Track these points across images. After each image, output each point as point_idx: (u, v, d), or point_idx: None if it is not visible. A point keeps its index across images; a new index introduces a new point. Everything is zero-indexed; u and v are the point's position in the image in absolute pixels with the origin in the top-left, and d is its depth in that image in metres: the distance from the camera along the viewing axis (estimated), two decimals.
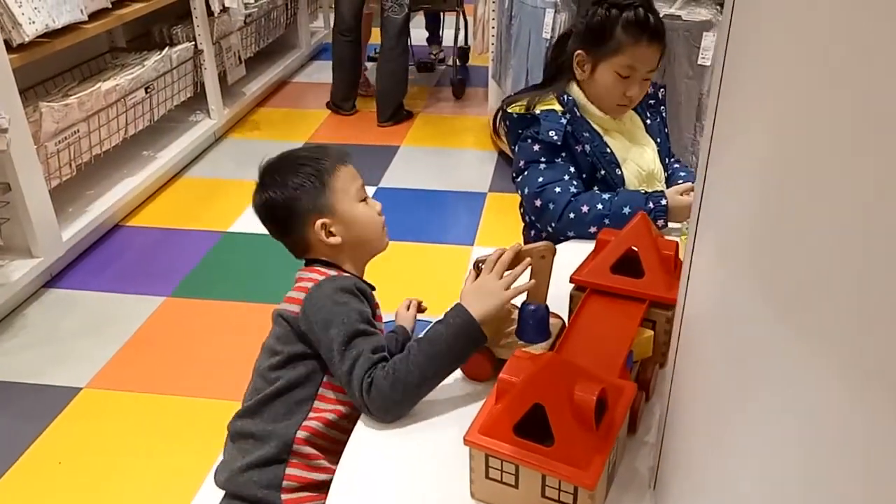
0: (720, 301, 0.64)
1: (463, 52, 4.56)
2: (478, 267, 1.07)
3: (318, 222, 1.12)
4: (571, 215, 1.45)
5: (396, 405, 0.96)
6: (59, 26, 2.47)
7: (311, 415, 1.04)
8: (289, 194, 1.12)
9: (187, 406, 1.97)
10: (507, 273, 1.01)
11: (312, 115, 4.06)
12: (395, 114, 3.94)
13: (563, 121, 1.48)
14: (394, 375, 0.95)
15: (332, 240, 1.13)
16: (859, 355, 0.40)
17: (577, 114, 1.50)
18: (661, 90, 1.63)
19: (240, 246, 2.80)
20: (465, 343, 0.97)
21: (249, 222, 3.15)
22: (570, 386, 0.81)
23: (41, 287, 2.52)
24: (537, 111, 1.50)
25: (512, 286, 1.00)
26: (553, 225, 1.47)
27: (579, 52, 1.50)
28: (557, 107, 1.50)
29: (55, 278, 2.57)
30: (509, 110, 1.55)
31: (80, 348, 2.20)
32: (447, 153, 3.65)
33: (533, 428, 0.82)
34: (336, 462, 0.93)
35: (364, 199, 1.17)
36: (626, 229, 1.10)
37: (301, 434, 1.02)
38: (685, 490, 0.75)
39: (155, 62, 3.09)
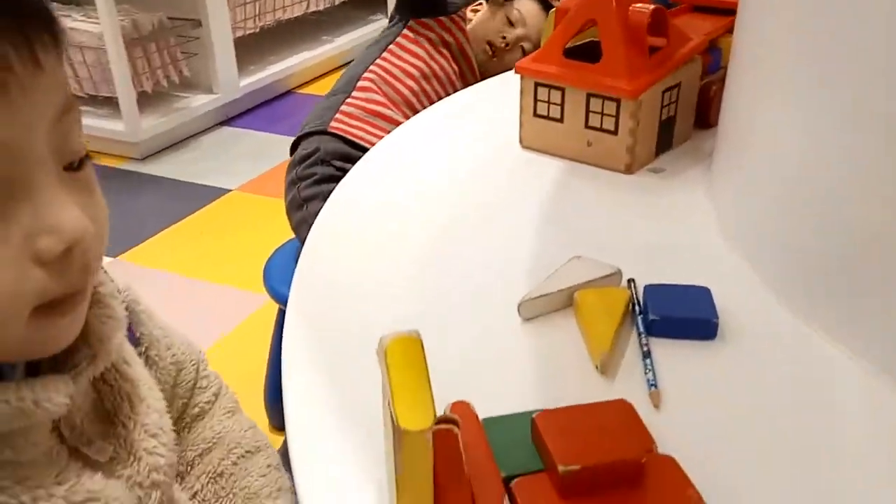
0: None
1: None
2: None
3: None
4: None
5: None
6: None
7: (380, 60, 1.14)
8: None
9: None
10: None
11: None
12: None
13: None
14: None
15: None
16: None
17: None
18: None
19: None
20: None
21: None
22: (626, 5, 0.79)
23: (217, 124, 2.80)
24: None
25: None
26: None
27: None
28: None
29: (230, 120, 2.84)
30: None
31: (238, 167, 2.44)
32: None
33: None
34: (395, 114, 1.00)
35: None
36: None
37: (367, 75, 1.13)
38: (732, 145, 0.71)
39: None
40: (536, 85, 0.84)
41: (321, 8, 3.31)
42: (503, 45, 1.24)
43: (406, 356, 0.34)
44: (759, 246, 0.64)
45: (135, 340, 0.49)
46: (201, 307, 1.73)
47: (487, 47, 1.25)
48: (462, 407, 0.44)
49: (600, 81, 0.78)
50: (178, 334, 0.56)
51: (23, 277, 0.33)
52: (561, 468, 0.39)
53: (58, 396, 0.35)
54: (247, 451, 0.55)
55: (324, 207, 0.78)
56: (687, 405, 0.49)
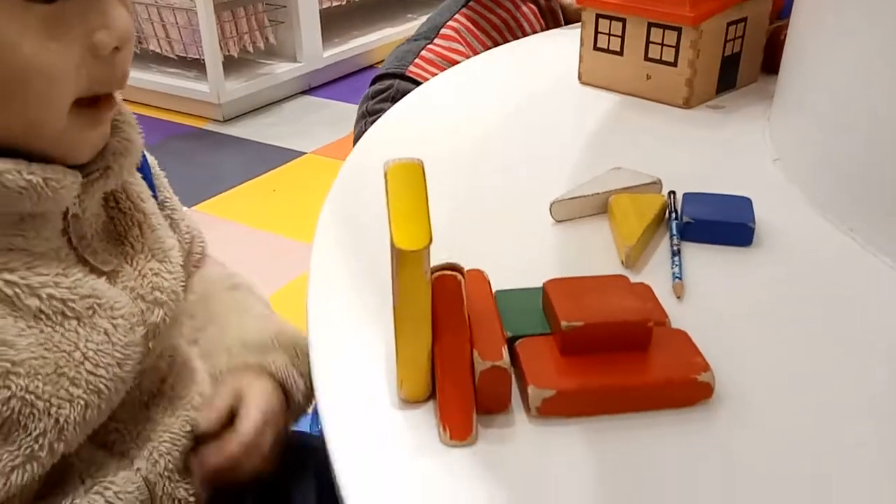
0: None
1: None
2: None
3: None
4: None
5: None
6: None
7: (466, 10, 1.12)
8: None
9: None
10: None
11: None
12: None
13: None
14: None
15: None
16: None
17: None
18: None
19: None
20: None
21: None
22: None
23: (299, 92, 2.86)
24: None
25: None
26: None
27: None
28: None
29: (312, 89, 2.91)
30: None
31: (315, 133, 2.50)
32: None
33: None
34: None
35: None
36: None
37: (452, 23, 1.12)
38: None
39: None
40: (598, 16, 0.82)
41: None
42: None
43: (406, 180, 0.35)
44: (809, 171, 0.61)
45: (159, 204, 0.51)
46: (267, 256, 1.79)
47: None
48: (475, 273, 0.44)
49: (661, 9, 0.76)
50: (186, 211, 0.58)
51: (80, 63, 0.37)
52: (564, 324, 0.38)
53: (65, 180, 0.38)
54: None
55: (377, 122, 0.79)
56: (710, 301, 0.47)
